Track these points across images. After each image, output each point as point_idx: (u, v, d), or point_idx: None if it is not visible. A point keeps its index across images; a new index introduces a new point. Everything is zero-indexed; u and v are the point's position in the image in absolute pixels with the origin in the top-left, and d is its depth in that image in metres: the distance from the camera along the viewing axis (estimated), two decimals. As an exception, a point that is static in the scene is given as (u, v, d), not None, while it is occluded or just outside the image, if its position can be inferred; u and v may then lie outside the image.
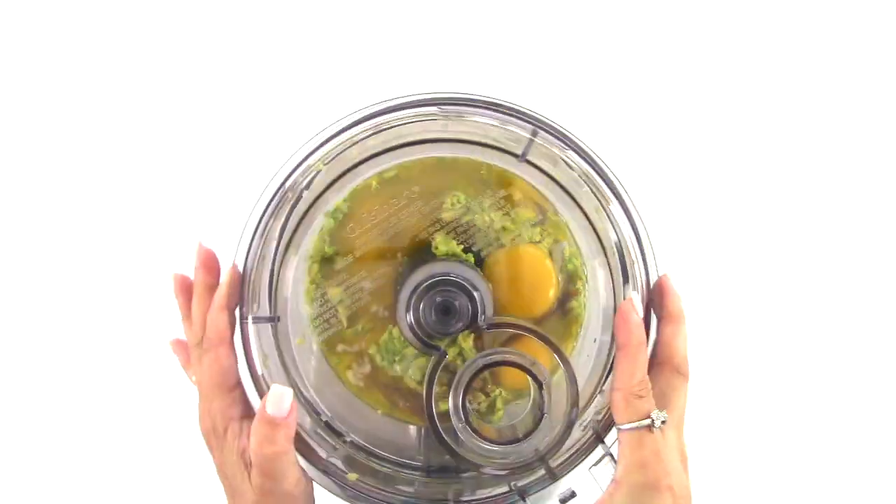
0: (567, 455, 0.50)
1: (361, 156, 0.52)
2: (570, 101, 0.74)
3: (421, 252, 0.52)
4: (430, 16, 0.74)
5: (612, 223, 0.51)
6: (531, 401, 0.49)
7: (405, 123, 0.51)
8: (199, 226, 0.72)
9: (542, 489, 0.49)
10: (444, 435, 0.47)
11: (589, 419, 0.51)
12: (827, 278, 0.75)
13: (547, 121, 0.51)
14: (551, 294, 0.52)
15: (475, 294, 0.50)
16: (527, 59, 0.74)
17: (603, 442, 0.49)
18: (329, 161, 0.51)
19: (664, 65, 0.75)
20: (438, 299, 0.49)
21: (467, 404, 0.48)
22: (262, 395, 0.49)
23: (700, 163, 0.75)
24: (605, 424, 0.50)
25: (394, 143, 0.52)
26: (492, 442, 0.48)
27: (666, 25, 0.75)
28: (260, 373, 0.50)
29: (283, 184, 0.50)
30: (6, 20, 0.74)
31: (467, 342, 0.50)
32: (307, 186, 0.51)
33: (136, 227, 0.74)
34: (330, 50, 0.73)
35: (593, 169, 0.51)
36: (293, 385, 0.51)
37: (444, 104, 0.51)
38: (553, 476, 0.49)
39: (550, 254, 0.52)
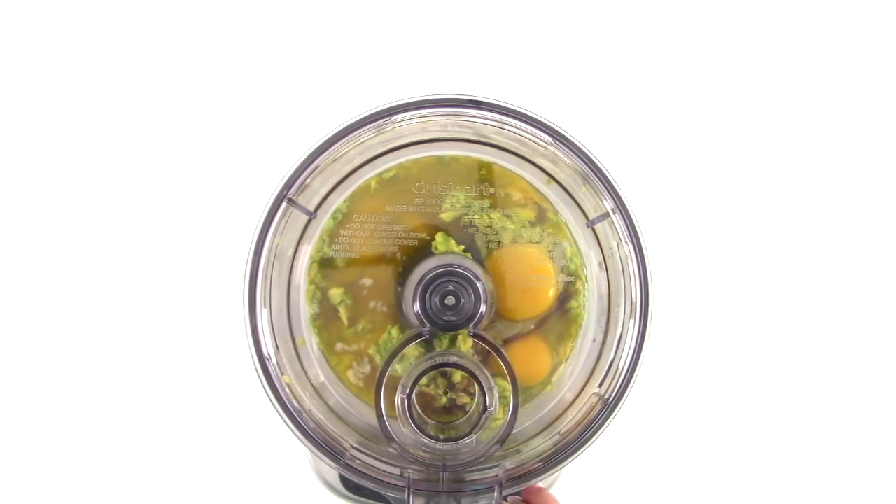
0: (469, 478, 0.51)
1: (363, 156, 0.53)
2: (564, 99, 0.74)
3: (421, 251, 0.52)
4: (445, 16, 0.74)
5: (611, 226, 0.52)
6: (468, 416, 0.51)
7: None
8: (203, 231, 0.72)
9: (429, 494, 0.50)
10: (381, 400, 0.49)
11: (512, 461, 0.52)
12: (820, 276, 0.75)
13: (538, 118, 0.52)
14: (551, 294, 0.52)
15: (478, 285, 0.50)
16: (524, 55, 0.74)
17: (500, 489, 0.50)
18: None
19: (660, 66, 0.75)
20: (450, 287, 0.50)
21: (414, 390, 0.49)
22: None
23: (697, 162, 0.75)
24: (511, 477, 0.50)
25: (397, 143, 0.53)
26: (417, 429, 0.49)
27: (668, 29, 0.76)
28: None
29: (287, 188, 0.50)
30: (10, 22, 0.74)
31: (466, 343, 0.51)
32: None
33: (138, 230, 0.74)
34: (358, 50, 0.73)
35: (590, 168, 0.51)
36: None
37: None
38: (443, 488, 0.50)
39: (550, 254, 0.53)
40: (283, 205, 0.50)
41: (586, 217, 0.53)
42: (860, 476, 0.74)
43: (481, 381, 0.49)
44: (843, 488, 0.74)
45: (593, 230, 0.53)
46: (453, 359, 0.50)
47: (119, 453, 0.73)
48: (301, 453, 0.66)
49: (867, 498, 0.74)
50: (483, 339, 0.50)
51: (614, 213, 0.51)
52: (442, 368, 0.50)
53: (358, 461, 0.52)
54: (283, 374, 0.51)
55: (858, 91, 0.76)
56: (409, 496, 0.50)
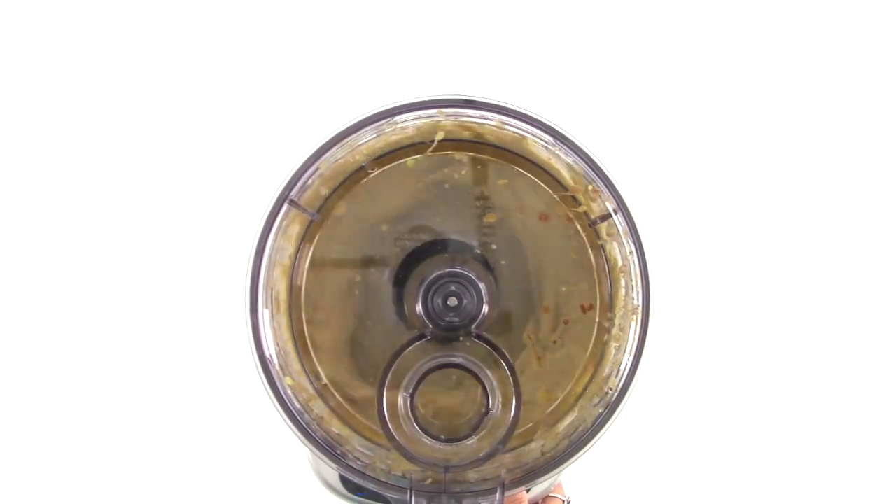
0: (472, 479, 0.50)
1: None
2: (564, 98, 0.74)
3: (423, 252, 0.52)
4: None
5: (613, 227, 0.52)
6: (470, 417, 0.50)
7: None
8: (206, 232, 0.72)
9: (430, 495, 0.50)
10: (385, 394, 0.49)
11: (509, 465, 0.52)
12: (821, 276, 0.75)
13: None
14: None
15: (480, 285, 0.50)
16: (524, 55, 0.74)
17: (503, 489, 0.50)
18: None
19: (661, 66, 0.75)
20: (453, 288, 0.50)
21: (417, 390, 0.49)
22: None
23: (698, 163, 0.75)
24: (514, 477, 0.50)
25: (398, 144, 0.53)
26: (418, 429, 0.49)
27: (670, 29, 0.76)
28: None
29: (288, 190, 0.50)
30: (10, 23, 0.74)
31: (468, 344, 0.51)
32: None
33: (140, 232, 0.74)
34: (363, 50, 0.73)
35: (592, 168, 0.51)
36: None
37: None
38: (445, 489, 0.50)
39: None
40: (285, 206, 0.50)
41: (588, 217, 0.53)
42: (860, 476, 0.75)
43: (484, 382, 0.49)
44: (843, 488, 0.74)
45: (595, 230, 0.53)
46: (458, 359, 0.50)
47: (120, 453, 0.73)
48: (301, 453, 0.66)
49: (867, 498, 0.74)
50: (486, 340, 0.50)
51: (616, 213, 0.51)
52: (445, 369, 0.50)
53: (359, 461, 0.52)
54: (284, 376, 0.51)
55: (858, 92, 0.76)
56: (410, 497, 0.50)
